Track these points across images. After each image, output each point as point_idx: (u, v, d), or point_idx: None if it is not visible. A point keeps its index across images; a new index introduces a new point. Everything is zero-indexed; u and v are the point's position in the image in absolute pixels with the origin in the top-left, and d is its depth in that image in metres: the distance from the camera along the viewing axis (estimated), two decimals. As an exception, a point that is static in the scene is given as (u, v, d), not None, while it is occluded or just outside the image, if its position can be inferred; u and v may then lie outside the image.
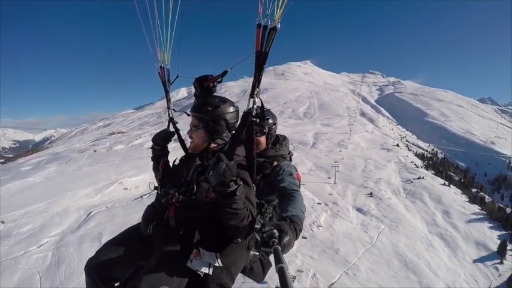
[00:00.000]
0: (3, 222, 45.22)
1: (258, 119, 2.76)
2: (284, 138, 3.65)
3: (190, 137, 2.82)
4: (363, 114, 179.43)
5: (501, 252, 48.96)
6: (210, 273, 2.32)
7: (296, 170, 3.30)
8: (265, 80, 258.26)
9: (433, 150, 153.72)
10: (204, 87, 2.61)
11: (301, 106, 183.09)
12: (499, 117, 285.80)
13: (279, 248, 1.82)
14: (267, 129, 3.42)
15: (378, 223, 50.26)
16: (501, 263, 47.75)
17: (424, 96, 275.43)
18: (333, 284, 34.60)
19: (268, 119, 3.45)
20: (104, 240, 42.41)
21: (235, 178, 2.18)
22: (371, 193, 60.98)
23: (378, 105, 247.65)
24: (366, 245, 43.47)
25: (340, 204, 54.65)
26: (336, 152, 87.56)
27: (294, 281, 33.25)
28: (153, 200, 2.92)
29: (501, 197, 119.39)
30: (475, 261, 47.34)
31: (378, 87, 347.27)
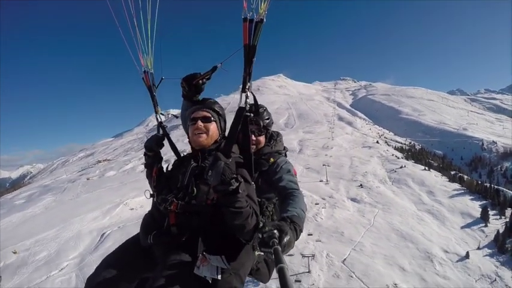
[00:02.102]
0: (15, 253, 46.04)
1: (252, 114, 2.67)
2: (278, 134, 3.63)
3: (203, 132, 2.68)
4: (340, 118, 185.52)
5: (484, 217, 55.65)
6: (219, 278, 2.22)
7: (292, 166, 3.29)
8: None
9: (410, 143, 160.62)
10: (193, 85, 2.63)
11: (281, 118, 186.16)
12: (469, 106, 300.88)
13: (279, 248, 1.84)
14: (266, 129, 3.42)
15: (372, 208, 56.53)
16: (486, 226, 54.25)
17: (396, 95, 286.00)
18: (345, 259, 40.66)
19: (268, 118, 3.43)
20: None
21: (235, 176, 2.12)
22: (361, 185, 67.33)
23: (353, 109, 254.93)
24: (365, 226, 49.80)
25: (336, 197, 60.58)
26: (322, 155, 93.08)
27: (310, 260, 38.93)
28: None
29: (479, 175, 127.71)
30: (462, 227, 54.07)
31: (350, 92, 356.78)
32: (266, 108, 3.49)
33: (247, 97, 2.42)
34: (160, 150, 3.03)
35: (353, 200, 60.56)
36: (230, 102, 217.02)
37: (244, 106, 2.44)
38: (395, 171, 77.09)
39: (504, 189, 71.60)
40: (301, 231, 2.29)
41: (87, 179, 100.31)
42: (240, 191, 2.10)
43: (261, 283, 24.29)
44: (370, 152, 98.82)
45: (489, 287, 41.12)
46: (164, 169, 2.93)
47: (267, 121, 3.39)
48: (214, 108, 2.74)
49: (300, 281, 35.82)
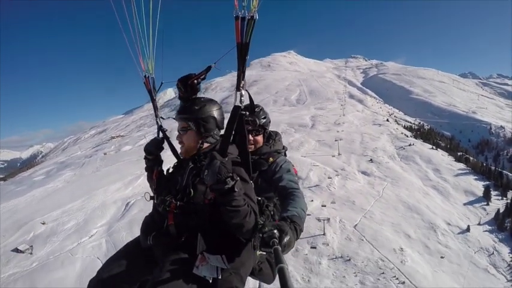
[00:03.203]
0: (44, 224, 48.40)
1: (248, 112, 2.67)
2: (276, 133, 3.61)
3: (180, 142, 2.74)
4: (351, 96, 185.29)
5: (486, 196, 59.07)
6: (219, 277, 2.24)
7: (292, 165, 3.29)
8: (253, 72, 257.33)
9: (419, 123, 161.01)
10: (189, 85, 2.61)
11: (292, 94, 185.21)
12: (480, 90, 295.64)
13: (279, 248, 1.85)
14: (263, 128, 3.41)
15: (381, 181, 60.29)
16: (487, 204, 57.73)
17: (407, 75, 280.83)
18: (356, 225, 45.26)
19: (265, 117, 3.41)
20: None
21: (231, 174, 2.14)
22: (371, 159, 70.71)
23: (364, 87, 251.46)
24: (375, 197, 53.89)
25: (347, 170, 64.17)
26: (333, 131, 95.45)
27: (325, 224, 43.28)
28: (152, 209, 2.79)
29: (485, 158, 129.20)
30: (465, 204, 57.88)
31: (361, 70, 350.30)
32: (262, 108, 3.48)
33: (242, 95, 2.41)
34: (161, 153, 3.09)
35: (363, 173, 64.35)
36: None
37: (239, 105, 2.41)
38: (403, 149, 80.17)
39: (508, 173, 75.02)
40: (301, 230, 2.31)
41: (104, 153, 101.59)
42: (236, 190, 2.13)
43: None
44: (380, 129, 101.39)
45: (487, 259, 45.09)
46: (165, 172, 2.93)
47: (264, 120, 3.38)
48: (191, 115, 2.63)
49: (315, 248, 39.88)
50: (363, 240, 41.79)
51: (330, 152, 75.12)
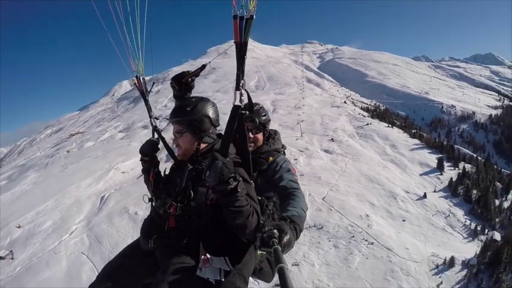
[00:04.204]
0: (19, 227, 48.13)
1: (247, 111, 2.59)
2: (275, 132, 3.57)
3: (177, 145, 2.69)
4: (309, 80, 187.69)
5: (440, 167, 65.07)
6: (222, 279, 2.19)
7: (291, 164, 3.23)
8: (209, 60, 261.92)
9: (375, 104, 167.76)
10: (183, 83, 2.60)
11: (251, 80, 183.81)
12: (433, 72, 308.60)
13: (279, 248, 1.84)
14: (263, 126, 3.38)
15: (343, 158, 64.91)
16: (441, 174, 63.63)
17: (362, 59, 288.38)
18: (324, 197, 49.76)
19: (265, 115, 3.38)
20: (132, 211, 49.88)
21: (233, 174, 2.10)
22: (332, 139, 75.17)
23: (320, 72, 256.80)
24: (338, 172, 58.30)
25: (310, 149, 68.31)
26: (294, 114, 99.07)
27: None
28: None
29: (438, 135, 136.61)
30: (421, 174, 63.66)
31: (317, 55, 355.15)
32: (262, 106, 3.48)
33: (241, 94, 2.33)
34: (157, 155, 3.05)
35: (326, 151, 68.66)
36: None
37: (239, 104, 2.33)
38: (362, 128, 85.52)
39: (460, 147, 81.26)
40: (301, 230, 2.31)
41: (67, 151, 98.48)
42: (239, 190, 2.11)
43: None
44: (338, 111, 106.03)
45: (444, 220, 50.71)
46: (162, 173, 2.85)
47: (264, 118, 3.37)
48: (184, 117, 2.57)
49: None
50: (331, 210, 46.31)
51: (292, 134, 78.20)
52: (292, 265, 37.63)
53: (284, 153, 3.41)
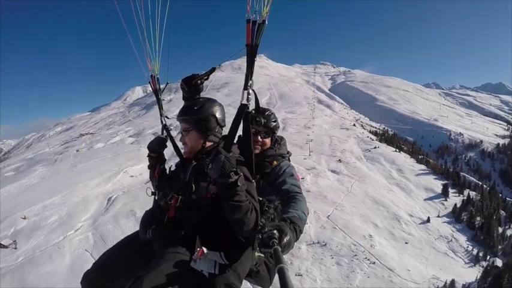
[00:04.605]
0: (25, 218, 48.63)
1: (254, 111, 2.76)
2: (281, 138, 3.58)
3: (184, 143, 2.74)
4: (319, 101, 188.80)
5: (445, 193, 65.79)
6: (216, 272, 2.21)
7: (295, 171, 3.24)
8: (223, 75, 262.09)
9: (384, 128, 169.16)
10: (192, 85, 2.61)
11: (263, 97, 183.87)
12: (443, 99, 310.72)
13: (279, 249, 1.82)
14: (273, 131, 3.39)
15: (349, 179, 65.91)
16: (445, 200, 64.43)
17: (373, 83, 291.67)
18: (329, 215, 50.76)
19: (275, 121, 3.40)
20: (139, 215, 49.58)
21: (235, 169, 2.14)
22: (340, 160, 76.35)
23: (331, 93, 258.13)
24: (344, 192, 59.39)
25: (318, 168, 69.49)
26: (304, 133, 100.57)
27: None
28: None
29: (444, 162, 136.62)
30: (425, 199, 64.48)
31: (329, 76, 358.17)
32: (273, 112, 3.49)
33: (249, 94, 2.38)
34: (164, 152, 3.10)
35: (333, 171, 69.86)
36: (211, 79, 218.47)
37: (246, 103, 2.39)
38: (369, 151, 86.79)
39: (465, 174, 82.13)
40: (301, 232, 2.30)
41: (77, 150, 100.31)
42: (239, 184, 2.14)
43: None
44: (347, 133, 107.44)
45: (446, 245, 51.32)
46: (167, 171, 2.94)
47: (274, 123, 3.38)
48: (191, 116, 2.63)
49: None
50: (336, 228, 47.29)
51: (301, 153, 79.32)
52: (296, 275, 38.56)
53: (289, 160, 3.43)
